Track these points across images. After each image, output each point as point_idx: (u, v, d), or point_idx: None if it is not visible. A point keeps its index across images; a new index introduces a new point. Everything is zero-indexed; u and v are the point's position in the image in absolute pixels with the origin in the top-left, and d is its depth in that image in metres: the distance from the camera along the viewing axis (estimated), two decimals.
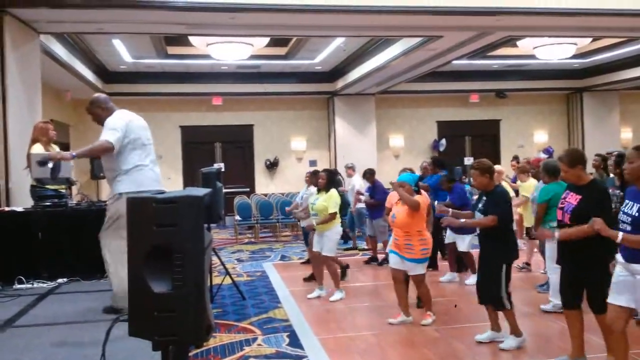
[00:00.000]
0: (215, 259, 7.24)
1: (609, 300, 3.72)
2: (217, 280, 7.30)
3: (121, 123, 4.92)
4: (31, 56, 8.18)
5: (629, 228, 3.56)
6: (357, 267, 8.78)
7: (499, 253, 4.75)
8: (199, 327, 2.71)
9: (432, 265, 7.77)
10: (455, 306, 6.19)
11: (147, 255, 2.64)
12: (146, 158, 5.11)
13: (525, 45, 11.93)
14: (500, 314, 4.87)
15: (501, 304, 4.77)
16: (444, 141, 16.86)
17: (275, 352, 4.83)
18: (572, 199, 4.13)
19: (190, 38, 10.64)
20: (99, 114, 5.07)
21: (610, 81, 15.84)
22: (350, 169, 11.41)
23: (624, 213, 3.65)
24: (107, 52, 12.06)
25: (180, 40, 11.39)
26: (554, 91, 17.31)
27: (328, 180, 6.98)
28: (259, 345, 5.03)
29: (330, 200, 6.81)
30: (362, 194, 10.03)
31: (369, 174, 9.55)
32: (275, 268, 8.99)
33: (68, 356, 3.88)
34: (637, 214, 3.52)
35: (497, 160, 16.13)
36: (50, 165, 4.92)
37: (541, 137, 17.55)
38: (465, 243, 7.26)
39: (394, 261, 5.64)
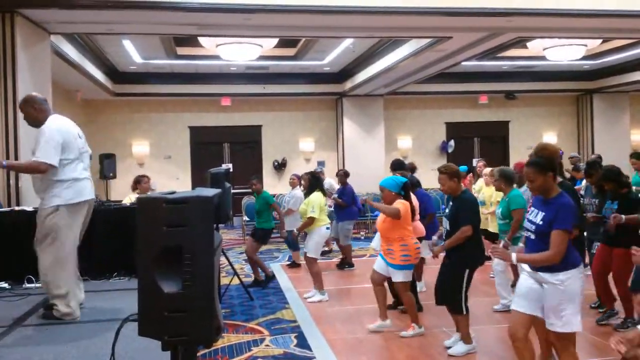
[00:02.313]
0: (223, 259, 7.26)
1: (513, 307, 3.64)
2: (225, 281, 7.32)
3: (58, 138, 4.66)
4: (42, 56, 8.23)
5: (532, 236, 3.52)
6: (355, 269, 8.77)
7: (466, 259, 4.74)
8: (209, 328, 2.71)
9: None
10: None
11: (157, 255, 2.64)
12: (82, 169, 4.88)
13: (535, 46, 11.87)
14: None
15: (459, 307, 4.75)
16: (452, 142, 16.82)
17: (283, 352, 4.84)
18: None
19: (200, 39, 10.66)
20: (32, 114, 4.81)
21: (620, 83, 15.73)
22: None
23: (529, 221, 3.58)
24: (117, 52, 12.11)
25: (190, 41, 11.41)
26: (564, 92, 17.22)
27: (310, 183, 7.03)
28: (267, 345, 5.04)
29: (309, 204, 6.86)
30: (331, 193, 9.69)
31: (342, 175, 9.51)
32: (283, 269, 9.00)
33: (78, 355, 3.89)
34: (541, 222, 3.47)
35: (506, 162, 16.06)
36: None
37: (550, 138, 17.45)
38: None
39: (377, 264, 5.53)
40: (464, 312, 4.75)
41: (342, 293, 7.36)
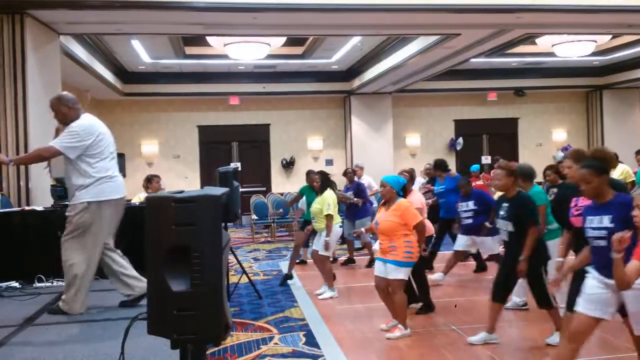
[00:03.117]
0: (232, 257, 7.27)
1: (580, 309, 3.50)
2: (233, 279, 7.34)
3: (85, 134, 4.77)
4: (51, 57, 8.28)
5: (603, 243, 3.38)
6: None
7: (539, 256, 4.78)
8: (218, 326, 2.72)
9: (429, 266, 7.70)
10: (455, 306, 6.09)
11: (165, 254, 2.65)
12: (113, 168, 4.98)
13: (544, 42, 11.81)
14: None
15: (549, 302, 4.83)
16: (460, 140, 16.76)
17: (292, 351, 4.84)
18: (584, 201, 4.00)
19: (208, 38, 10.69)
20: (64, 113, 4.92)
21: (630, 79, 15.60)
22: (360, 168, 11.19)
23: (593, 229, 3.47)
24: (126, 52, 12.16)
25: (198, 40, 11.45)
26: (573, 89, 17.10)
27: (321, 182, 7.01)
28: (276, 344, 5.04)
29: (324, 202, 6.84)
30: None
31: (352, 173, 9.52)
32: None
33: (88, 354, 3.91)
34: (612, 225, 3.35)
35: (516, 160, 15.97)
36: None
37: (560, 135, 17.36)
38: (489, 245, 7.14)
39: (378, 270, 5.39)
40: (554, 305, 4.85)
41: (350, 291, 7.36)
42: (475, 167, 11.06)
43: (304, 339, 5.15)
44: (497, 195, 7.68)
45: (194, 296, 2.65)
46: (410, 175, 7.85)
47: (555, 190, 6.85)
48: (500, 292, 4.90)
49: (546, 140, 17.37)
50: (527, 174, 5.67)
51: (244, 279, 7.03)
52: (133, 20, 8.23)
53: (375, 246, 6.77)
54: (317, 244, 6.98)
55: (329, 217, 6.79)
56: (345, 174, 9.77)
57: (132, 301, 5.06)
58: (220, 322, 2.73)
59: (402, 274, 5.21)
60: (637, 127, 17.06)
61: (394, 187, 5.34)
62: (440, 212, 8.17)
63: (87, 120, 4.94)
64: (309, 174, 7.80)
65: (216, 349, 4.71)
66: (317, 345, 4.96)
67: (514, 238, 4.80)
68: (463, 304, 6.28)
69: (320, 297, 6.80)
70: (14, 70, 7.37)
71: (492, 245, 7.04)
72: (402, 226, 5.20)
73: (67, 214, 4.89)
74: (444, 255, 7.94)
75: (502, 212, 4.88)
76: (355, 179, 9.91)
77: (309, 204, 7.71)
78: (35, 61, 7.66)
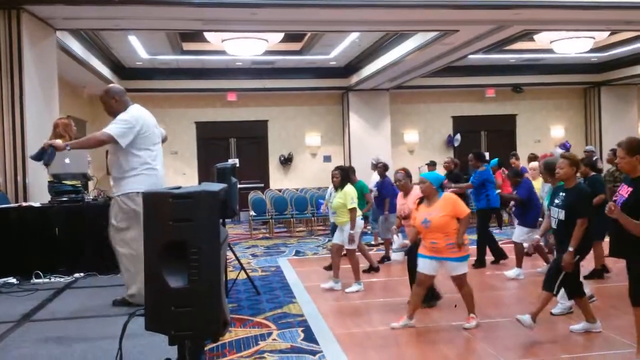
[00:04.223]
0: (230, 254, 7.26)
1: None
2: (232, 275, 7.32)
3: (134, 123, 4.83)
4: (48, 52, 8.24)
5: None
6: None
7: (580, 247, 4.80)
8: (215, 322, 2.71)
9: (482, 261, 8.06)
10: (455, 306, 6.02)
11: (163, 250, 2.64)
12: (159, 159, 5.07)
13: (542, 39, 11.79)
14: None
15: (580, 291, 4.92)
16: (458, 136, 16.76)
17: (290, 347, 4.83)
18: (624, 191, 4.08)
19: (206, 34, 10.66)
20: (112, 105, 4.98)
21: (628, 75, 15.62)
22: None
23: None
24: (123, 48, 12.12)
25: (196, 36, 11.42)
26: (571, 85, 17.11)
27: (342, 177, 7.04)
28: (274, 340, 5.03)
29: (347, 197, 6.87)
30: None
31: (381, 168, 9.46)
32: (289, 263, 9.00)
33: (85, 350, 3.90)
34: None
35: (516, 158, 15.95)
36: (46, 156, 4.75)
37: (558, 132, 17.37)
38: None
39: (426, 266, 5.37)
40: (584, 295, 4.96)
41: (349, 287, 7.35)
42: (494, 162, 10.99)
43: (302, 335, 5.15)
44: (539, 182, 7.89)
45: (191, 292, 2.64)
46: (407, 173, 7.89)
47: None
48: (549, 281, 4.90)
49: (544, 136, 17.38)
50: (553, 169, 5.40)
51: (242, 275, 7.02)
52: (130, 16, 8.20)
53: (396, 244, 6.82)
54: (339, 238, 7.03)
55: (353, 211, 6.86)
56: (376, 168, 9.66)
57: (122, 301, 5.06)
58: (218, 319, 2.72)
59: (464, 267, 5.39)
60: (635, 124, 17.09)
61: (434, 184, 5.42)
62: (482, 202, 8.28)
63: (136, 111, 4.98)
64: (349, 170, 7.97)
65: (214, 345, 4.70)
66: (315, 341, 4.96)
67: (563, 227, 4.86)
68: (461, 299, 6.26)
69: (347, 291, 6.84)
70: (10, 66, 7.35)
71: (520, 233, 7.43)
72: (453, 220, 5.28)
73: (121, 205, 4.89)
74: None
75: (557, 201, 4.95)
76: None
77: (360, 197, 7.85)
78: (32, 57, 7.63)
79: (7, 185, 7.32)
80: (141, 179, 4.87)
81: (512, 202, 7.79)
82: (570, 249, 4.72)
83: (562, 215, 4.87)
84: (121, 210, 4.91)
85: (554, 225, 5.01)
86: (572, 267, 4.76)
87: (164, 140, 5.41)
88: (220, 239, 2.76)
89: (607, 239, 4.93)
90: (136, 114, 4.94)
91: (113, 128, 4.80)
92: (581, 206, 4.80)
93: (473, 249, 6.96)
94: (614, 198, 4.18)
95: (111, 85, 5.21)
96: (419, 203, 5.50)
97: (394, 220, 8.88)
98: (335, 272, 7.05)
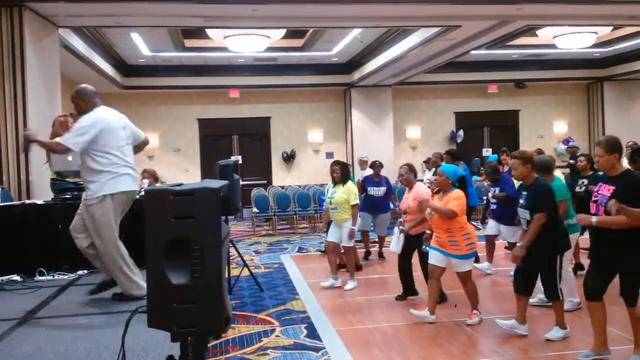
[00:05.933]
0: (233, 250, 7.28)
1: None
2: (235, 272, 7.34)
3: (91, 127, 4.86)
4: (50, 50, 8.25)
5: None
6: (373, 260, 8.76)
7: (555, 246, 4.74)
8: (218, 319, 2.71)
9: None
10: (455, 306, 5.96)
11: (165, 247, 2.65)
12: (124, 160, 5.03)
13: (545, 34, 11.76)
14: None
15: (555, 294, 4.78)
16: (461, 132, 16.73)
17: (293, 343, 4.84)
18: (605, 190, 4.05)
19: (208, 31, 10.66)
20: (80, 106, 5.06)
21: (631, 70, 15.55)
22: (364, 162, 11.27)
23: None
24: (125, 45, 12.12)
25: (198, 33, 11.41)
26: (574, 81, 17.05)
27: (342, 172, 6.99)
28: (277, 336, 5.05)
29: (350, 193, 6.85)
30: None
31: (378, 166, 9.41)
32: (292, 260, 9.01)
33: (89, 347, 3.92)
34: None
35: None
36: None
37: (561, 127, 17.33)
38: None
39: (436, 258, 5.42)
40: (560, 298, 4.82)
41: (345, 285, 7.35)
42: (493, 157, 11.01)
43: (305, 332, 5.16)
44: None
45: (193, 289, 2.64)
46: (410, 167, 7.86)
47: (585, 181, 6.76)
48: (550, 291, 4.84)
49: (547, 132, 17.34)
50: (544, 167, 5.54)
51: (246, 272, 7.03)
52: (133, 13, 8.19)
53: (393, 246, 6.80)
54: (334, 236, 6.99)
55: (355, 207, 6.90)
56: (373, 166, 9.60)
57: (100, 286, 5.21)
58: (221, 315, 2.72)
59: (468, 265, 5.40)
60: (638, 119, 17.03)
61: (450, 178, 5.41)
62: None
63: (95, 115, 4.99)
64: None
65: (217, 341, 4.71)
66: (318, 338, 4.97)
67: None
68: (462, 295, 6.26)
69: (345, 288, 6.83)
70: (12, 64, 7.35)
71: (507, 234, 7.32)
72: (458, 218, 5.26)
73: (88, 207, 4.97)
74: None
75: (521, 201, 4.84)
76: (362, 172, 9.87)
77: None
78: (34, 54, 7.63)
79: (10, 182, 7.34)
80: (109, 182, 4.92)
81: (493, 202, 7.50)
82: (522, 244, 4.68)
83: (527, 215, 4.78)
84: (92, 215, 4.94)
85: (524, 227, 4.88)
86: (518, 260, 4.72)
87: (143, 142, 5.43)
88: (222, 236, 2.76)
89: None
90: (95, 116, 4.96)
91: (67, 137, 4.90)
92: (539, 201, 4.69)
93: (481, 244, 6.90)
94: (594, 198, 4.14)
95: (82, 85, 5.21)
96: (436, 193, 5.55)
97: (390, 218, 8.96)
98: (333, 270, 7.06)
